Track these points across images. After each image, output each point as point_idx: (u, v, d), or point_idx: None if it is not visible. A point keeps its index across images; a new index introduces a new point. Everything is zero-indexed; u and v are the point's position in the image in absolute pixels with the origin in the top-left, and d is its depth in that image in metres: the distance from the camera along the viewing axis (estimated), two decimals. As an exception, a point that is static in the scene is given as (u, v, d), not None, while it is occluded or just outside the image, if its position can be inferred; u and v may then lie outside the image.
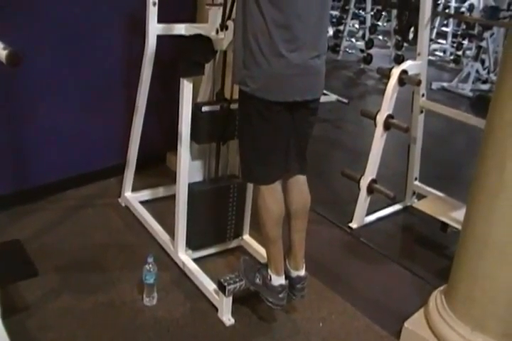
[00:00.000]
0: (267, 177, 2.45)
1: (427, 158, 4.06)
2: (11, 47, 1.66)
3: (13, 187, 3.38)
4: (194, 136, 2.81)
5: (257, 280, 2.58)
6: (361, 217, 3.58)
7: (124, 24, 3.59)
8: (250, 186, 2.97)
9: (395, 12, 8.28)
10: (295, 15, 2.17)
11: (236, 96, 2.55)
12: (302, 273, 2.60)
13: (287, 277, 2.57)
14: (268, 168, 2.44)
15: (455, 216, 3.30)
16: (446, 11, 10.46)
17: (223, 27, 2.57)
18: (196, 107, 2.76)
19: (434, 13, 3.98)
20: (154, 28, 3.07)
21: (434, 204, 3.65)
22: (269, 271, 2.53)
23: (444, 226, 3.35)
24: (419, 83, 3.50)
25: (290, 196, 2.56)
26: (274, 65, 2.21)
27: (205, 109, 2.77)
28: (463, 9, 9.16)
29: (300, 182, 2.57)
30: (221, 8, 2.64)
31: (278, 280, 2.51)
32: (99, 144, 3.75)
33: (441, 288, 2.63)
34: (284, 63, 2.21)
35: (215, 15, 2.72)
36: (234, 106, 2.74)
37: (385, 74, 3.53)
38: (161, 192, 3.68)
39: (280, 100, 2.27)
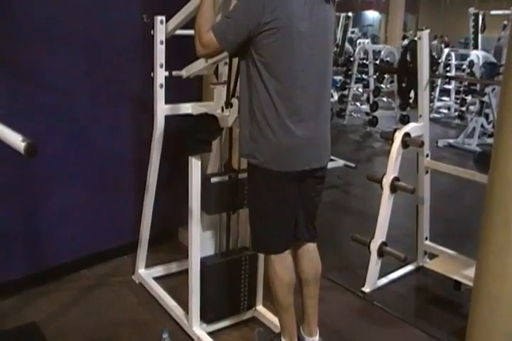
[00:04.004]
0: (276, 247, 2.48)
1: (437, 216, 4.08)
2: (28, 138, 1.76)
3: (27, 270, 3.40)
4: (205, 207, 2.85)
5: None
6: (373, 280, 3.56)
7: (132, 105, 3.72)
8: (261, 257, 2.99)
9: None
10: (297, 87, 2.27)
11: (243, 166, 2.62)
12: (316, 338, 2.61)
13: None
14: (277, 238, 2.47)
15: (467, 273, 3.28)
16: (447, 68, 10.70)
17: (228, 104, 2.67)
18: (206, 178, 2.82)
19: (432, 77, 4.09)
20: (162, 109, 3.19)
21: (446, 262, 3.64)
22: (282, 339, 2.54)
23: (458, 284, 3.33)
24: (422, 145, 3.56)
25: (301, 264, 2.59)
26: (280, 136, 2.28)
27: (214, 180, 2.83)
28: (463, 66, 9.38)
29: (310, 250, 2.60)
30: (225, 86, 2.75)
31: None
32: (111, 223, 3.79)
33: (459, 348, 2.61)
34: (290, 135, 2.29)
35: (220, 93, 2.83)
36: (242, 175, 2.80)
37: (389, 138, 3.62)
38: (174, 267, 3.69)
39: (287, 170, 2.33)
